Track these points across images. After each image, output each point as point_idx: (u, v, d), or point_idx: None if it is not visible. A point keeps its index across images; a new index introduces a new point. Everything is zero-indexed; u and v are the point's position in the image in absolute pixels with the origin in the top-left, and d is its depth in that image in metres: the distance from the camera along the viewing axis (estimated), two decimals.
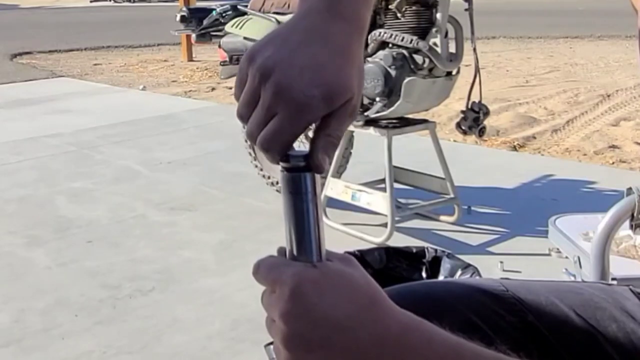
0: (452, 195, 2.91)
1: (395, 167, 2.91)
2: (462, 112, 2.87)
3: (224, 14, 3.38)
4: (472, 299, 0.81)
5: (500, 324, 0.79)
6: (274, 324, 0.56)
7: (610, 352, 0.78)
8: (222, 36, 3.42)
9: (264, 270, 0.58)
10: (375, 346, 0.54)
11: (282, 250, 0.60)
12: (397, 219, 2.76)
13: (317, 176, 0.58)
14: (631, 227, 1.06)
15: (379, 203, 2.78)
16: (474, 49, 2.73)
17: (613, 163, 4.09)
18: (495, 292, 0.83)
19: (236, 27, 3.27)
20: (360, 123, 2.88)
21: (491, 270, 2.46)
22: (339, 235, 2.87)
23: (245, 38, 3.26)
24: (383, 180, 2.86)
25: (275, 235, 2.95)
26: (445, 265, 1.75)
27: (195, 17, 3.49)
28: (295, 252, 0.57)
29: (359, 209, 2.88)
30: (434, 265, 1.75)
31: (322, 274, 0.55)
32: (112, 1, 25.44)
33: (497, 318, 0.79)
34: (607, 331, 0.81)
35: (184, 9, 3.55)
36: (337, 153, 3.00)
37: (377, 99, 2.75)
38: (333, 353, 0.54)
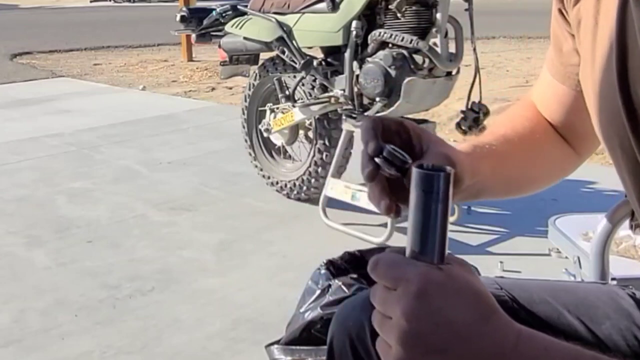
0: None
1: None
2: (462, 112, 2.87)
3: (224, 14, 3.38)
4: None
5: None
6: (388, 321, 0.55)
7: (604, 350, 0.78)
8: (222, 36, 3.42)
9: (384, 267, 0.57)
10: (493, 355, 0.53)
11: (396, 249, 0.59)
12: (397, 219, 2.76)
13: (452, 180, 0.56)
14: (631, 227, 1.06)
15: None
16: (474, 49, 2.74)
17: (613, 163, 4.08)
18: (489, 291, 0.83)
19: (236, 27, 3.27)
20: (360, 123, 2.87)
21: (491, 270, 2.46)
22: (339, 235, 2.87)
23: (245, 38, 3.26)
24: None
25: (275, 235, 2.96)
26: None
27: (195, 17, 3.49)
28: (418, 251, 0.56)
29: (359, 209, 2.88)
30: None
31: (448, 277, 0.55)
32: (112, 1, 25.42)
33: None
34: (600, 329, 0.81)
35: (184, 9, 3.54)
36: (336, 153, 3.01)
37: (377, 99, 2.75)
38: (450, 358, 0.53)
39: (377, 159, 0.67)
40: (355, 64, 2.85)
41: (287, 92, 3.17)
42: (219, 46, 3.45)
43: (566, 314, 0.82)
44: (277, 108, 3.29)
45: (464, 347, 0.53)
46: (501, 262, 2.54)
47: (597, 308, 0.84)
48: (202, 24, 3.46)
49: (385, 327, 0.56)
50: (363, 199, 2.84)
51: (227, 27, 3.33)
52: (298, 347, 1.32)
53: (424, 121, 3.03)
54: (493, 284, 0.86)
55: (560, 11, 0.84)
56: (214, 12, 3.42)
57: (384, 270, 0.57)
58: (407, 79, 2.69)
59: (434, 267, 0.55)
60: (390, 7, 2.72)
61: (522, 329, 0.55)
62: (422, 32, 2.73)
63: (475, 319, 0.54)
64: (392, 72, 2.70)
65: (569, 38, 0.84)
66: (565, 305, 0.83)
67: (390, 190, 0.69)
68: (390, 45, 2.75)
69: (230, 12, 3.37)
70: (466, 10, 2.74)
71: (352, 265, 1.34)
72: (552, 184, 0.94)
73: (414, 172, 0.56)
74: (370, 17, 2.84)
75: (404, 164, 0.64)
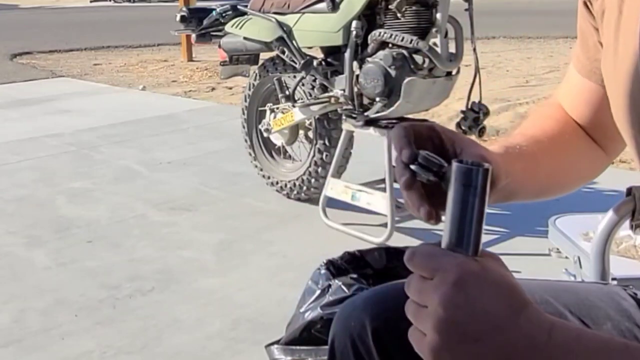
0: None
1: (395, 167, 2.91)
2: (462, 112, 2.87)
3: (224, 14, 3.38)
4: None
5: None
6: (423, 309, 0.57)
7: None
8: (222, 36, 3.42)
9: (421, 257, 0.58)
10: (528, 346, 0.54)
11: (430, 243, 0.61)
12: (397, 219, 2.76)
13: (489, 177, 0.58)
14: (631, 227, 1.06)
15: (379, 203, 2.78)
16: (474, 49, 2.73)
17: (613, 163, 4.08)
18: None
19: (236, 27, 3.27)
20: (360, 123, 2.88)
21: None
22: (339, 235, 2.87)
23: (245, 38, 3.26)
24: (383, 180, 2.86)
25: (275, 235, 2.95)
26: None
27: (195, 17, 3.49)
28: (454, 243, 0.58)
29: (359, 209, 2.88)
30: None
31: (484, 268, 0.56)
32: (112, 1, 25.42)
33: None
34: (602, 330, 0.81)
35: (184, 9, 3.54)
36: (336, 153, 3.01)
37: (377, 99, 2.75)
38: (484, 348, 0.54)
39: (412, 166, 0.68)
40: (355, 64, 2.85)
41: (287, 92, 3.17)
42: (219, 46, 3.45)
43: (567, 314, 0.82)
44: (277, 108, 3.29)
45: (498, 338, 0.54)
46: None
47: (598, 308, 0.84)
48: (202, 24, 3.46)
49: (421, 316, 0.57)
50: (363, 199, 2.84)
51: (227, 27, 3.33)
52: (298, 347, 1.32)
53: (424, 121, 3.01)
54: None
55: (585, 4, 0.86)
56: (214, 12, 3.42)
57: (421, 261, 0.58)
58: (407, 79, 2.69)
59: (470, 258, 0.57)
60: (390, 7, 2.72)
61: (555, 321, 0.57)
62: (422, 32, 2.73)
63: (510, 310, 0.55)
64: (392, 72, 2.70)
65: (594, 32, 0.85)
66: (567, 306, 0.83)
67: (427, 196, 0.70)
68: (390, 45, 2.75)
69: (230, 12, 3.37)
70: (466, 10, 2.74)
71: (352, 265, 1.34)
72: (581, 186, 0.95)
73: (454, 166, 0.58)
74: (370, 17, 2.84)
75: (440, 168, 0.65)
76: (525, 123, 0.94)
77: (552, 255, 1.80)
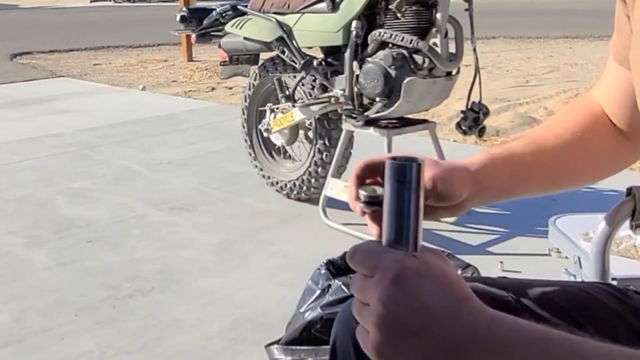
0: None
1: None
2: (462, 112, 2.87)
3: (224, 14, 3.38)
4: None
5: None
6: (366, 307, 0.57)
7: None
8: (222, 36, 3.42)
9: (362, 255, 0.59)
10: (468, 338, 0.55)
11: (374, 240, 0.63)
12: None
13: (423, 170, 0.59)
14: (631, 227, 1.06)
15: None
16: (474, 49, 2.73)
17: None
18: (492, 290, 0.83)
19: (236, 27, 3.27)
20: (360, 123, 2.88)
21: (491, 270, 2.46)
22: (339, 235, 2.87)
23: (245, 38, 3.26)
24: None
25: (275, 235, 2.95)
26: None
27: (195, 17, 3.49)
28: (394, 240, 0.58)
29: None
30: None
31: (422, 264, 0.57)
32: (112, 1, 25.43)
33: None
34: (603, 329, 0.81)
35: (184, 9, 3.54)
36: (336, 153, 3.01)
37: (377, 99, 2.75)
38: (425, 342, 0.55)
39: (358, 205, 0.78)
40: (355, 64, 2.85)
41: (287, 92, 3.17)
42: (219, 46, 3.45)
43: (573, 313, 0.82)
44: (277, 108, 3.29)
45: (438, 330, 0.55)
46: (501, 262, 2.54)
47: (601, 308, 0.84)
48: (202, 24, 3.46)
49: (364, 313, 0.58)
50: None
51: (227, 27, 3.33)
52: (298, 347, 1.32)
53: (424, 121, 3.03)
54: (497, 283, 0.86)
55: None
56: (214, 12, 3.42)
57: (362, 259, 0.59)
58: (407, 79, 2.69)
59: (409, 254, 0.57)
60: (390, 7, 2.72)
61: (495, 314, 0.57)
62: (422, 32, 2.73)
63: (450, 303, 0.56)
64: (392, 72, 2.70)
65: (627, 20, 0.87)
66: (570, 306, 0.83)
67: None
68: (390, 45, 2.75)
69: (230, 12, 3.37)
70: (466, 10, 2.74)
71: None
72: (602, 179, 0.98)
73: (387, 163, 0.59)
74: (370, 17, 2.84)
75: (382, 201, 0.67)
76: (537, 127, 0.98)
77: (552, 255, 1.80)
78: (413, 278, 0.56)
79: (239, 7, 3.35)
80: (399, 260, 0.56)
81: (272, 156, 3.51)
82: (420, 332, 0.55)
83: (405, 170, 0.58)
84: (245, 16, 3.27)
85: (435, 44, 2.73)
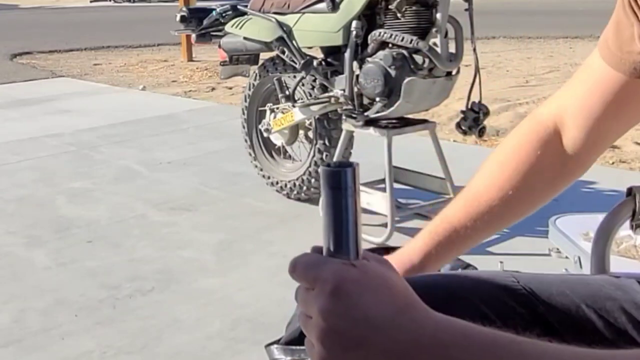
0: (452, 196, 2.91)
1: (395, 167, 2.91)
2: (462, 112, 2.87)
3: (224, 14, 3.38)
4: (483, 290, 0.82)
5: (510, 315, 0.79)
6: (310, 320, 0.57)
7: (620, 345, 0.78)
8: (222, 36, 3.42)
9: (302, 268, 0.58)
10: (413, 346, 0.54)
11: (316, 248, 0.60)
12: (397, 219, 2.76)
13: (358, 174, 0.57)
14: (631, 227, 1.06)
15: (379, 203, 2.78)
16: (474, 49, 2.73)
17: (613, 163, 4.09)
18: (506, 284, 0.83)
19: (236, 27, 3.27)
20: (360, 123, 2.88)
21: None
22: None
23: (245, 38, 3.26)
24: (383, 180, 2.86)
25: (275, 235, 2.95)
26: (445, 265, 1.75)
27: (195, 17, 3.48)
28: (332, 249, 0.57)
29: None
30: None
31: (362, 273, 0.56)
32: (112, 1, 25.43)
33: (508, 310, 0.80)
34: (617, 322, 0.81)
35: (184, 9, 3.54)
36: (336, 153, 3.01)
37: (377, 99, 2.75)
38: (370, 353, 0.54)
39: None
40: (355, 64, 2.85)
41: (287, 92, 3.16)
42: (219, 46, 3.45)
43: (584, 307, 0.82)
44: (277, 108, 3.29)
45: (381, 340, 0.54)
46: (501, 262, 2.52)
47: (613, 301, 0.83)
48: (202, 24, 3.46)
49: (308, 326, 0.57)
50: (363, 199, 2.84)
51: (227, 27, 3.33)
52: (298, 347, 1.31)
53: (424, 121, 3.03)
54: (509, 277, 0.86)
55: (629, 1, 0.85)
56: (214, 12, 3.42)
57: (302, 271, 0.58)
58: (407, 79, 2.69)
59: (348, 264, 0.56)
60: (390, 7, 2.72)
61: (442, 318, 0.56)
62: (422, 32, 2.73)
63: (391, 311, 0.55)
64: (392, 72, 2.70)
65: (633, 24, 0.85)
66: (583, 299, 0.83)
67: None
68: (390, 45, 2.75)
69: (230, 12, 3.37)
70: (466, 10, 2.74)
71: None
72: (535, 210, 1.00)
73: (321, 170, 0.57)
74: (370, 17, 2.84)
75: None
76: (487, 169, 1.00)
77: (552, 255, 1.80)
78: (352, 289, 0.54)
79: (239, 7, 3.35)
80: (338, 271, 0.55)
81: (272, 156, 3.51)
82: (364, 343, 0.54)
83: (340, 176, 0.56)
84: (245, 16, 3.27)
85: (435, 44, 2.73)
